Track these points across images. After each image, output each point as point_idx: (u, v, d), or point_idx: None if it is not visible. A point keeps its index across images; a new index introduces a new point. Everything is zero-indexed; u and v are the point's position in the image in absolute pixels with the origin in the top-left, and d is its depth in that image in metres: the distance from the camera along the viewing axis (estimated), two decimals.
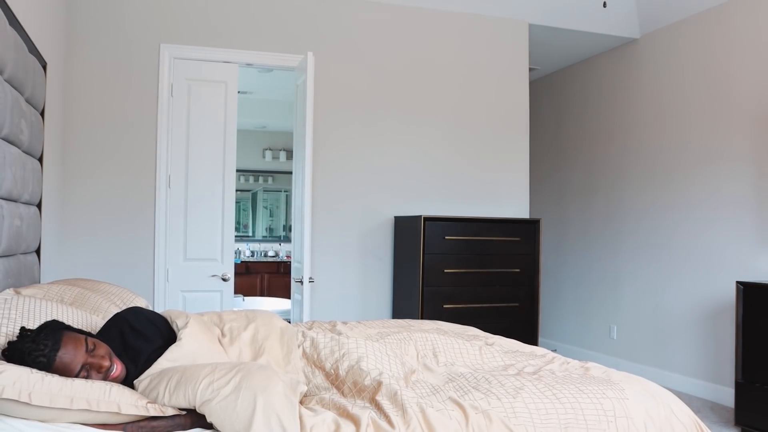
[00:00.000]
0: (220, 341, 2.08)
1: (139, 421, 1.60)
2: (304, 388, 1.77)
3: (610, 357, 5.42)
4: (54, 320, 1.77)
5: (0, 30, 2.26)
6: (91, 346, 1.69)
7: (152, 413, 1.61)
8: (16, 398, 1.44)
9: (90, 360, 1.67)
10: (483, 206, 4.85)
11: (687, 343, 4.74)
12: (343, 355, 2.02)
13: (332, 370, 1.99)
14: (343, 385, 1.92)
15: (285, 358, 2.09)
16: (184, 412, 1.64)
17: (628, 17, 5.16)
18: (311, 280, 3.86)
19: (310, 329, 2.72)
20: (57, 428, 1.51)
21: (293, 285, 4.13)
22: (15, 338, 1.74)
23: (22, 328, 1.72)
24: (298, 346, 2.15)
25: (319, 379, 2.00)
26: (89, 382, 1.60)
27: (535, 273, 4.51)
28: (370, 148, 4.61)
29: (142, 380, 1.70)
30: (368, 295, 4.60)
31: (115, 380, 1.71)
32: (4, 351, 1.64)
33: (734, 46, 4.45)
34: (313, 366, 2.06)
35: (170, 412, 1.62)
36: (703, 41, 4.69)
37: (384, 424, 1.62)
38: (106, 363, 1.70)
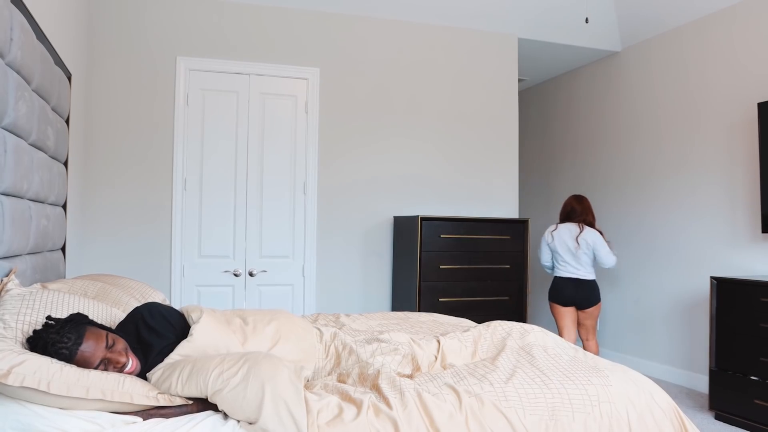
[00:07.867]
0: (243, 329, 2.02)
1: (149, 409, 1.60)
2: (308, 373, 1.76)
3: None
4: (79, 313, 1.75)
5: (28, 44, 2.26)
6: (110, 342, 1.68)
7: (162, 403, 1.60)
8: (36, 387, 1.44)
9: (108, 355, 1.66)
10: (475, 207, 4.85)
11: (665, 334, 4.74)
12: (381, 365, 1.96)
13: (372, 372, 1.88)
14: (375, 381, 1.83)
15: (305, 353, 2.04)
16: (191, 402, 1.63)
17: (609, 31, 5.17)
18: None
19: (315, 321, 2.72)
20: (76, 413, 1.51)
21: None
22: (40, 327, 1.71)
23: (48, 317, 1.69)
24: (324, 345, 2.11)
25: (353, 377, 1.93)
26: (104, 373, 1.59)
27: (523, 269, 4.51)
28: (371, 153, 4.61)
29: (155, 372, 1.69)
30: (369, 290, 4.60)
31: (130, 374, 1.70)
32: (29, 338, 1.63)
33: (709, 59, 4.44)
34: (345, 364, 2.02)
35: (178, 401, 1.62)
36: (680, 54, 4.69)
37: (383, 406, 1.63)
38: (123, 359, 1.68)
